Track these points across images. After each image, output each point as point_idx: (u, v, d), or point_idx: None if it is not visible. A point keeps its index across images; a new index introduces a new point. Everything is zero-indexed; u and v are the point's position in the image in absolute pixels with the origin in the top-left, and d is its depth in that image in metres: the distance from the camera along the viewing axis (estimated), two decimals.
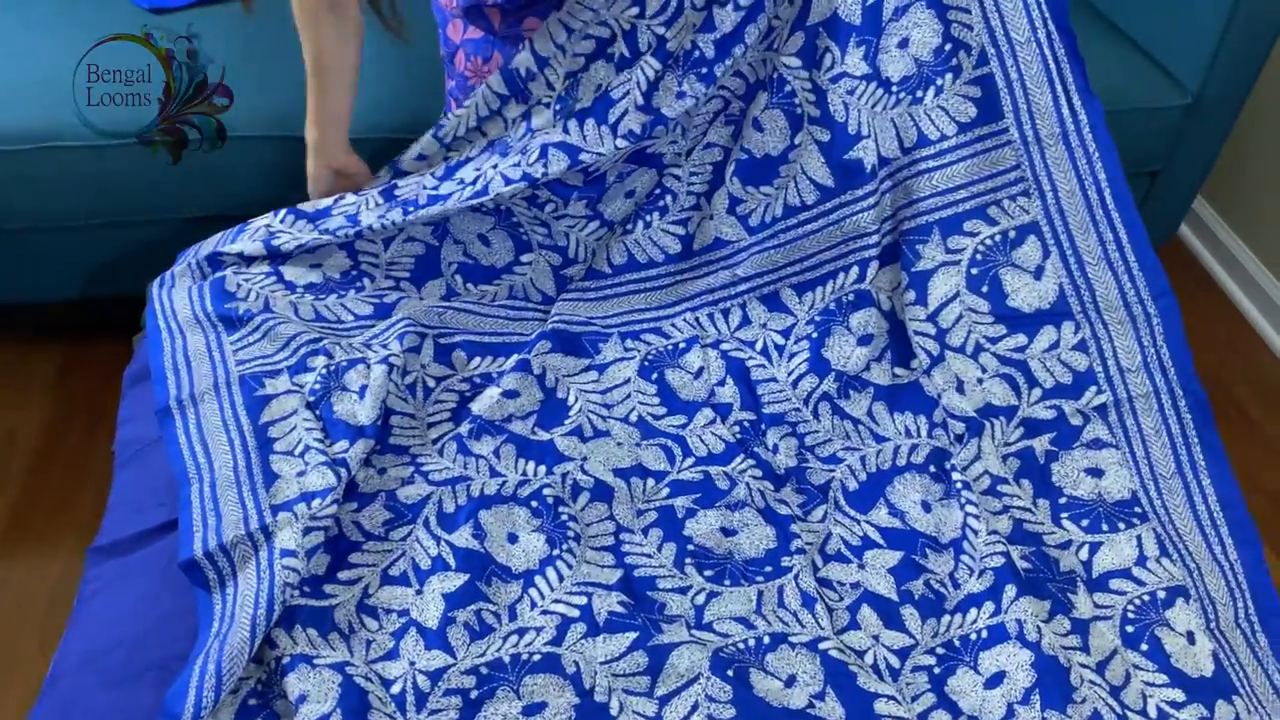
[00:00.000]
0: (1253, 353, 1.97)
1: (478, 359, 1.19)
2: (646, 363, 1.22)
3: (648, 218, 1.28)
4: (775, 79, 1.22)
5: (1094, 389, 1.11)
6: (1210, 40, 1.70)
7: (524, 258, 1.28)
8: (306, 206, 1.27)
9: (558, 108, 1.23)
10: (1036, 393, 1.13)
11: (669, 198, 1.27)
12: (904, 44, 1.15)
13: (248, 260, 1.23)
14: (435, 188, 1.26)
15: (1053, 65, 1.12)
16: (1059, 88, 1.12)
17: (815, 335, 1.21)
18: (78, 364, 1.77)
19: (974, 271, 1.16)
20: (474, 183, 1.24)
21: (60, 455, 1.64)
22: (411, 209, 1.23)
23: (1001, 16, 1.13)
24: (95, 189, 1.52)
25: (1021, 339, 1.14)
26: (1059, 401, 1.12)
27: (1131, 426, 1.10)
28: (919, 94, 1.16)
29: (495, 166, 1.24)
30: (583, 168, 1.22)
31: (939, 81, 1.15)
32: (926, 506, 1.09)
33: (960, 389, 1.15)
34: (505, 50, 1.25)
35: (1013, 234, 1.15)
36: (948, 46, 1.14)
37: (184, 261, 1.25)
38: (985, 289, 1.15)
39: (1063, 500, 1.09)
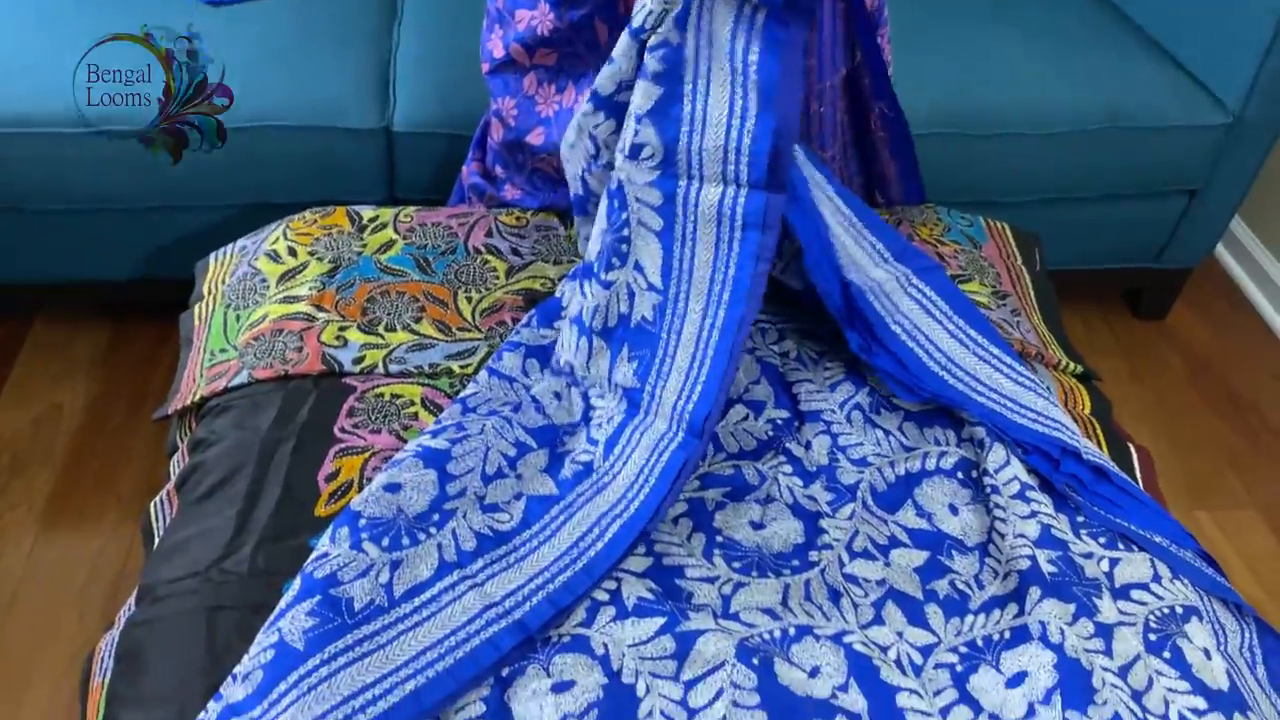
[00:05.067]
0: None
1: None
2: None
3: None
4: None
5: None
6: (1253, 60, 1.71)
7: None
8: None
9: None
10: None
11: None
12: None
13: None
14: None
15: None
16: None
17: (849, 368, 1.25)
18: (123, 343, 1.82)
19: None
20: None
21: (104, 432, 1.69)
22: None
23: None
24: (144, 174, 1.55)
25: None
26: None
27: None
28: None
29: None
30: None
31: None
32: (954, 509, 1.10)
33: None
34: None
35: None
36: None
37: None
38: None
39: (1080, 519, 1.11)
